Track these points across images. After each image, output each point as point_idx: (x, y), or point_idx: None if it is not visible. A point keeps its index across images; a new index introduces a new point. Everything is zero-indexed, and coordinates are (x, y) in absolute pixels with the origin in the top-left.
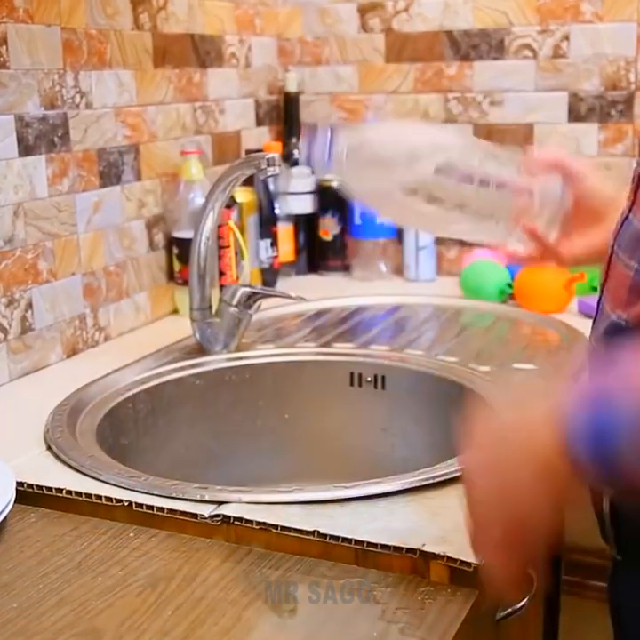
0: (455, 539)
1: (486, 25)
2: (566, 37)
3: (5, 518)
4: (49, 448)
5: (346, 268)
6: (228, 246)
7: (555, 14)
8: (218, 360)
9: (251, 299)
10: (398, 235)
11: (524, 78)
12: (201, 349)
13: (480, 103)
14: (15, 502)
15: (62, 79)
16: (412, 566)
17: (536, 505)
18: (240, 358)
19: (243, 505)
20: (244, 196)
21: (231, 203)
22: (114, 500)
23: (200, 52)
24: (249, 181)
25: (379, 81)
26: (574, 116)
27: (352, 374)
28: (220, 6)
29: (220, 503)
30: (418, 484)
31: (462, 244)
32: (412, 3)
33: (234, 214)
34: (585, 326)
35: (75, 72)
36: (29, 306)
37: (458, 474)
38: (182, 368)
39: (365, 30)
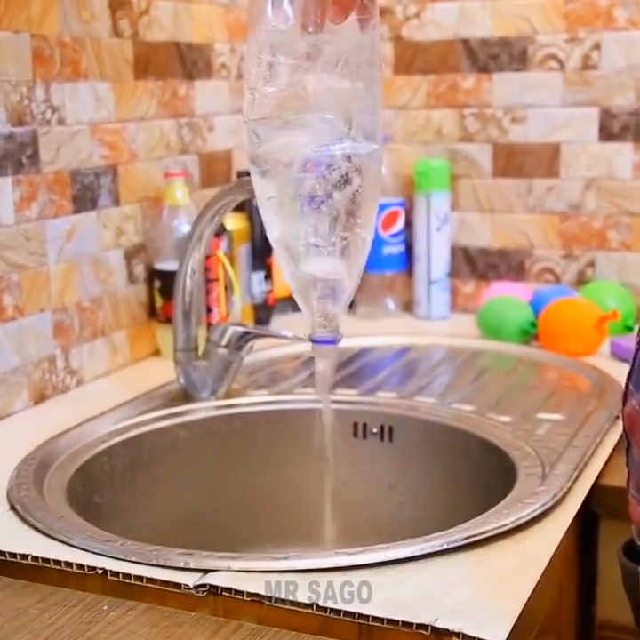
0: (472, 613)
1: (507, 33)
2: (597, 46)
3: None
4: (12, 508)
5: (349, 305)
6: (217, 280)
7: (584, 21)
8: (205, 408)
9: (242, 339)
10: (408, 267)
11: (549, 92)
12: (186, 396)
13: (500, 120)
14: None
15: (31, 92)
16: None
17: None
18: (230, 406)
19: (232, 573)
20: (234, 223)
21: (220, 231)
22: (86, 568)
23: (186, 61)
24: (240, 207)
25: (387, 95)
26: (606, 134)
27: (356, 425)
28: (208, 11)
29: (207, 571)
30: (430, 550)
31: (480, 277)
32: (423, 8)
33: (223, 244)
34: (619, 371)
35: (46, 84)
36: None
37: (475, 539)
38: (165, 417)
39: None
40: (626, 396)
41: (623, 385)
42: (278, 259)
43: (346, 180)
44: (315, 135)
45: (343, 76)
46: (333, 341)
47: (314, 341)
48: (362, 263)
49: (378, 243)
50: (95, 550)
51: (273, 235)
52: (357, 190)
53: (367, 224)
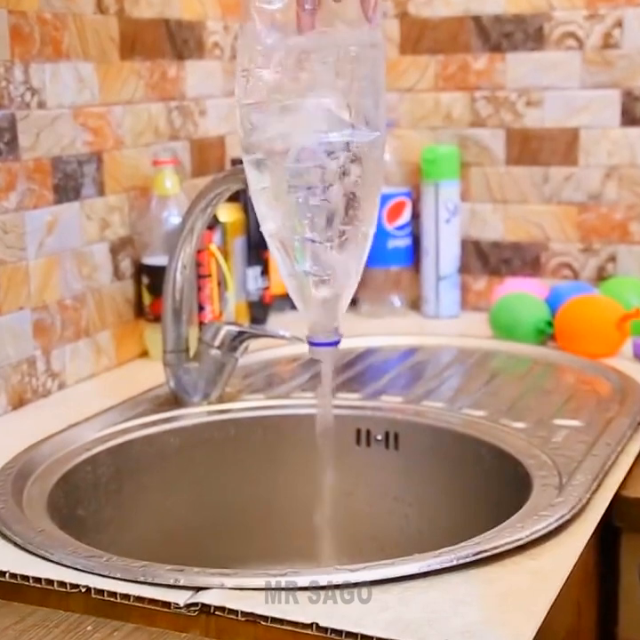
0: (484, 634)
1: (522, 9)
2: (619, 24)
3: None
4: None
5: (352, 302)
6: (210, 275)
7: None
8: (196, 414)
9: (236, 339)
10: (415, 262)
11: (567, 73)
12: (176, 400)
13: (514, 103)
14: None
15: (9, 73)
16: None
17: None
18: (223, 411)
19: (225, 591)
20: (228, 214)
21: (213, 223)
22: (68, 586)
23: (176, 40)
24: (235, 197)
25: (392, 76)
26: (628, 118)
27: (359, 431)
28: None
29: (199, 589)
30: (438, 567)
31: (492, 273)
32: None
33: (216, 237)
34: None
35: (25, 65)
36: None
37: (487, 555)
38: (153, 423)
39: None
40: None
41: None
42: (273, 254)
43: (345, 171)
44: (312, 122)
45: (343, 59)
46: (333, 343)
47: (312, 344)
48: (363, 259)
49: (382, 236)
50: (78, 566)
51: (267, 228)
52: (357, 181)
53: (368, 217)
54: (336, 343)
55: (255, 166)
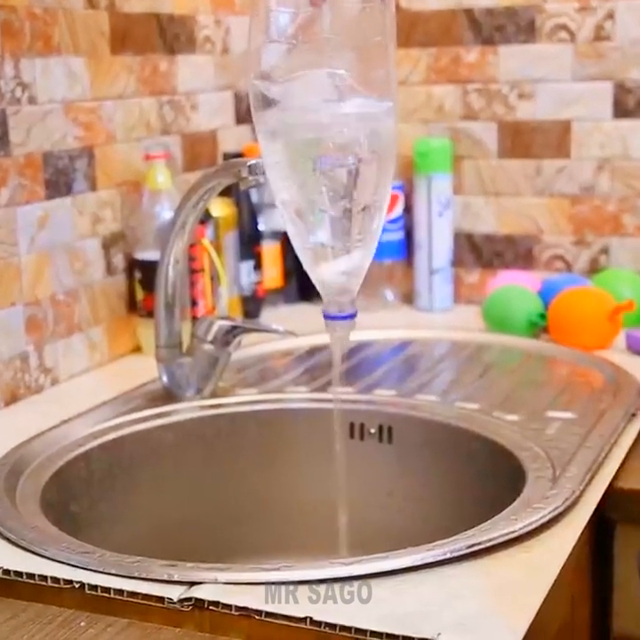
0: (478, 626)
1: (513, 2)
2: (610, 16)
3: None
4: None
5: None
6: (202, 270)
7: None
8: (189, 408)
9: (229, 334)
10: (408, 255)
11: (559, 66)
12: (169, 396)
13: (506, 96)
14: None
15: None
16: None
17: None
18: (216, 406)
19: (219, 586)
20: (221, 209)
21: (206, 217)
22: (62, 582)
23: (167, 35)
24: (227, 192)
25: None
26: (620, 110)
27: (352, 425)
28: None
29: (192, 584)
30: (432, 560)
31: (485, 266)
32: None
33: (209, 231)
34: (635, 365)
35: (15, 60)
36: None
37: (481, 547)
38: (146, 418)
39: None
40: None
41: None
42: (287, 226)
43: (359, 142)
44: (324, 92)
45: (354, 30)
46: (349, 317)
47: (328, 317)
48: (379, 230)
49: None
50: (72, 562)
51: (282, 199)
52: (372, 152)
53: (382, 189)
54: (353, 316)
55: (269, 138)
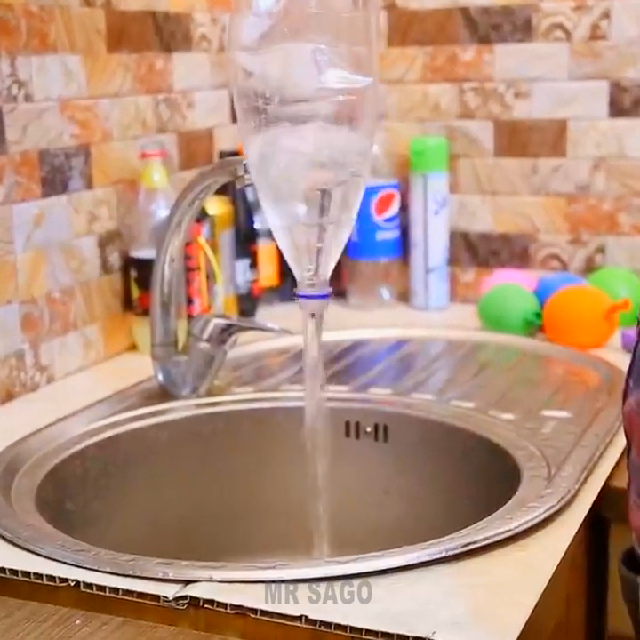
0: (473, 625)
1: (509, 0)
2: (607, 15)
3: None
4: None
5: (340, 295)
6: (198, 268)
7: None
8: (185, 407)
9: (225, 332)
10: (403, 254)
11: (555, 65)
12: (164, 394)
13: (502, 95)
14: None
15: None
16: None
17: None
18: (212, 404)
19: (214, 584)
20: (217, 207)
21: (202, 216)
22: (57, 580)
23: (163, 33)
24: (223, 190)
25: (380, 68)
26: (616, 109)
27: (348, 424)
28: None
29: (187, 582)
30: (427, 558)
31: (480, 265)
32: None
33: (205, 229)
34: None
35: (11, 57)
36: None
37: (476, 546)
38: (142, 417)
39: None
40: (625, 394)
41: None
42: (263, 202)
43: (338, 117)
44: (305, 66)
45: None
46: (323, 296)
47: (301, 296)
48: (356, 207)
49: (371, 228)
50: (67, 560)
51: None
52: (351, 127)
53: (362, 166)
54: (326, 296)
55: (250, 113)
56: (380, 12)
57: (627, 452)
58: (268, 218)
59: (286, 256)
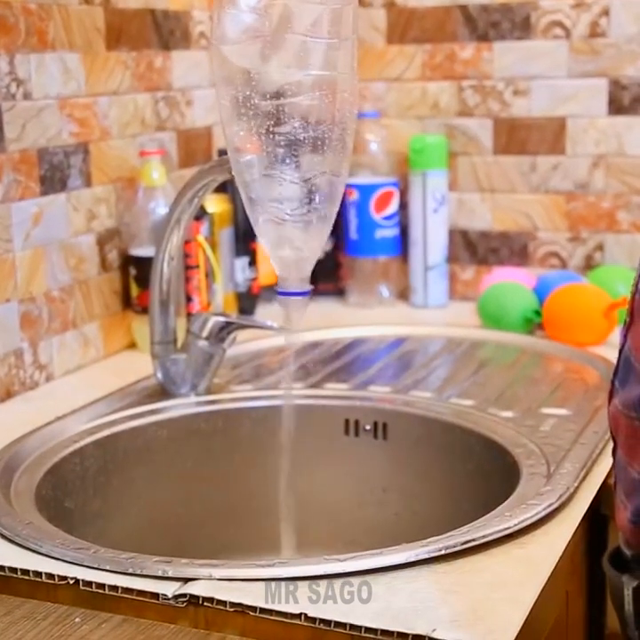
0: (472, 623)
1: None
2: (605, 12)
3: None
4: None
5: (340, 293)
6: (197, 266)
7: None
8: (184, 405)
9: (224, 330)
10: (403, 252)
11: (554, 62)
12: (163, 392)
13: (501, 93)
14: None
15: None
16: None
17: None
18: (211, 402)
19: (214, 582)
20: (216, 205)
21: (201, 214)
22: (56, 578)
23: (162, 30)
24: (222, 188)
25: (378, 66)
26: (615, 107)
27: (347, 421)
28: None
29: (187, 580)
30: (426, 556)
31: (480, 262)
32: None
33: (204, 227)
34: None
35: (10, 56)
36: None
37: (475, 544)
38: (141, 415)
39: (362, 5)
40: (611, 394)
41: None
42: (243, 198)
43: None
44: (286, 60)
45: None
46: (303, 293)
47: (282, 294)
48: (337, 203)
49: (370, 226)
50: (66, 559)
51: (246, 160)
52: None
53: (340, 160)
54: (306, 294)
55: (235, 103)
56: (379, 10)
57: (612, 451)
58: (248, 213)
59: (267, 253)
